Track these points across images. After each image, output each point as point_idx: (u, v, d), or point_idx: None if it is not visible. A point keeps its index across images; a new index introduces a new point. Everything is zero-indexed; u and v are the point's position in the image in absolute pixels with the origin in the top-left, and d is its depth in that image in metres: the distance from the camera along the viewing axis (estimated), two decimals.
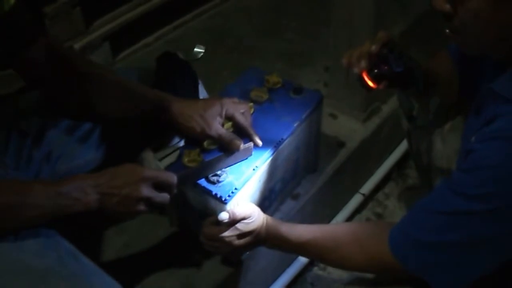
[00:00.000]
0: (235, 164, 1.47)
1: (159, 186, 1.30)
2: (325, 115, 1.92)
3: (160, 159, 1.45)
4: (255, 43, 2.58)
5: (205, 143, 1.49)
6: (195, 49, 2.49)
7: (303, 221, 1.81)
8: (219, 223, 1.39)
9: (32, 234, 1.21)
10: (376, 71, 1.31)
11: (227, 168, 1.46)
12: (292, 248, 1.44)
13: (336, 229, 1.47)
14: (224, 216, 1.38)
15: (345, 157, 2.00)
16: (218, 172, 1.43)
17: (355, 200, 2.20)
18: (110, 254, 1.70)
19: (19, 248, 1.18)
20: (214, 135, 1.46)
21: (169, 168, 1.45)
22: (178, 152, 1.48)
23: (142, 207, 1.28)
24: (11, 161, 1.41)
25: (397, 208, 2.31)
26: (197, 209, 1.50)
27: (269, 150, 1.51)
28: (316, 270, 2.04)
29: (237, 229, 1.40)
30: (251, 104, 1.60)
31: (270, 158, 1.52)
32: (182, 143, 1.50)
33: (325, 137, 1.95)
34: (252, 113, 1.58)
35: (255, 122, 1.55)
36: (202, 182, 1.43)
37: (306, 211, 1.86)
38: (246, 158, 1.49)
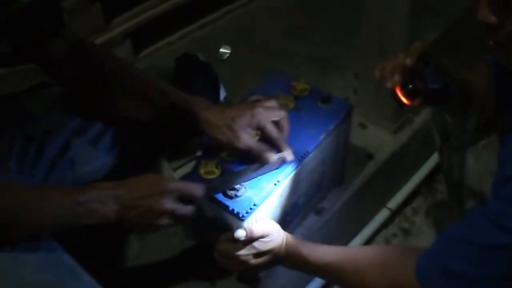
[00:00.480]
0: (264, 174, 1.37)
1: (184, 198, 1.20)
2: (353, 124, 1.81)
3: (175, 169, 1.36)
4: (282, 45, 2.47)
5: (223, 154, 1.39)
6: (221, 50, 2.40)
7: (326, 236, 1.72)
8: (235, 240, 1.29)
9: (33, 247, 1.13)
10: (410, 86, 1.21)
11: (246, 183, 1.35)
12: (312, 269, 1.35)
13: (359, 252, 1.37)
14: (240, 233, 1.28)
15: (373, 170, 1.89)
16: (237, 186, 1.33)
17: (382, 215, 2.09)
18: (120, 265, 1.61)
19: (18, 260, 1.11)
20: (242, 148, 1.34)
21: (184, 179, 1.35)
22: (193, 162, 1.38)
23: (165, 220, 1.19)
24: (15, 165, 1.32)
25: (425, 224, 2.21)
26: (213, 223, 1.40)
27: (292, 164, 1.40)
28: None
29: (254, 247, 1.30)
30: None
31: (293, 172, 1.41)
32: (199, 153, 1.40)
33: (353, 148, 1.84)
34: None
35: None
36: (219, 196, 1.32)
37: (330, 226, 1.76)
38: (279, 168, 1.38)
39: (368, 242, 2.04)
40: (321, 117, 1.51)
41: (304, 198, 1.57)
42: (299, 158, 1.41)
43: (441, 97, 1.26)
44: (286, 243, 1.34)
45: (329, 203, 1.75)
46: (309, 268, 1.34)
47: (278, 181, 1.36)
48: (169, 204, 1.17)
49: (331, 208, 1.75)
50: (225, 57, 2.39)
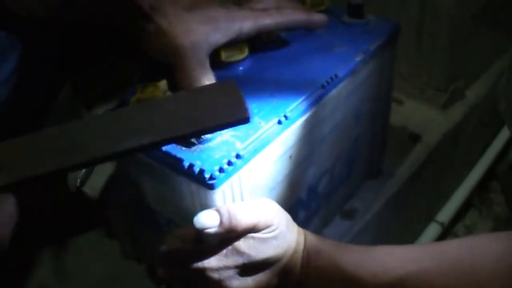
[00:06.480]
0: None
1: None
2: None
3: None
4: None
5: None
6: None
7: None
8: (199, 237, 0.63)
9: None
10: None
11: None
12: None
13: (465, 251, 0.66)
14: (207, 220, 0.62)
15: (425, 155, 1.24)
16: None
17: (431, 233, 1.43)
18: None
19: None
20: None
21: None
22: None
23: None
24: None
25: None
26: (159, 214, 0.74)
27: (308, 94, 0.75)
28: None
29: (237, 252, 0.64)
30: None
31: (311, 109, 0.75)
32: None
33: (390, 128, 1.18)
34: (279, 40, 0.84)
35: (287, 51, 0.82)
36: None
37: (363, 238, 1.09)
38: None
39: None
40: (350, 35, 0.88)
41: (328, 180, 0.92)
42: (322, 85, 0.76)
43: None
44: (307, 247, 0.69)
45: (363, 202, 1.09)
46: None
47: (285, 117, 0.70)
48: None
49: (367, 209, 1.09)
50: None
